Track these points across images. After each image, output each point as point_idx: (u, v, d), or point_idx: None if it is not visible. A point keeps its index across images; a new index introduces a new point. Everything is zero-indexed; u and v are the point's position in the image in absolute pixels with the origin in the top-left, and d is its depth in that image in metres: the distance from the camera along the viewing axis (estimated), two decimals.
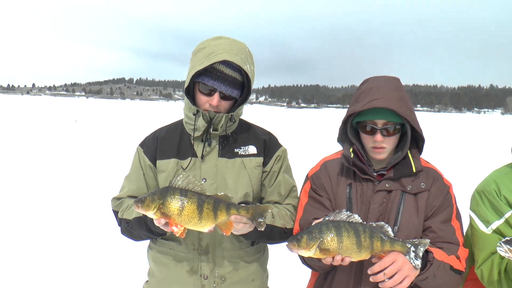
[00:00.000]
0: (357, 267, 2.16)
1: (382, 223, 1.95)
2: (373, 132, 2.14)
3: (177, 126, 2.46)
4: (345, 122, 2.26)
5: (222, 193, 2.02)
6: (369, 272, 1.91)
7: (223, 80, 2.22)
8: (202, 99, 2.27)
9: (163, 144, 2.39)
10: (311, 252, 1.88)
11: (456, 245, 2.10)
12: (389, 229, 1.94)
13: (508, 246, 1.76)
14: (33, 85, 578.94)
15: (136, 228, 2.27)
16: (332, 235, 1.87)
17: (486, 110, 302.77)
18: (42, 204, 8.21)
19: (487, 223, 2.13)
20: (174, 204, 1.94)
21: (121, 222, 2.37)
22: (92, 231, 6.68)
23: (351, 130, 2.27)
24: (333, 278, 2.23)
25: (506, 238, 1.80)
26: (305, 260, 2.19)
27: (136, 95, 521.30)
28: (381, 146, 2.14)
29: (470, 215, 2.22)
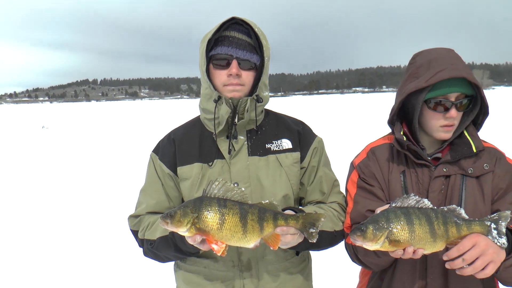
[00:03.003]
0: (421, 263, 1.90)
1: (454, 206, 1.69)
2: (447, 108, 1.87)
3: (195, 125, 2.13)
4: (403, 102, 1.98)
5: (267, 200, 1.70)
6: (444, 258, 1.65)
7: (238, 45, 1.93)
8: (220, 74, 1.95)
9: (183, 148, 2.05)
10: (379, 245, 1.61)
11: None
12: (462, 211, 1.68)
13: None
14: None
15: (162, 249, 1.93)
16: (402, 224, 1.60)
17: None
18: (19, 215, 7.70)
19: None
20: (212, 217, 1.62)
21: (143, 243, 2.02)
22: (89, 245, 6.25)
23: (400, 112, 2.01)
24: (392, 278, 1.96)
25: None
26: (357, 258, 1.93)
27: (101, 96, 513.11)
28: (454, 123, 1.89)
29: None
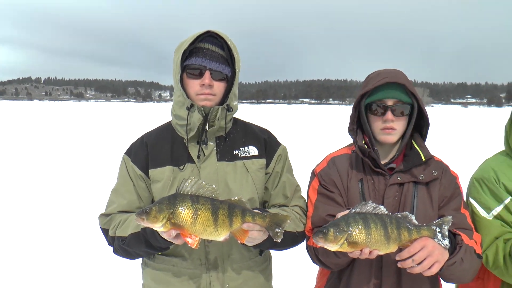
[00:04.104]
0: (376, 263, 2.09)
1: (407, 213, 1.88)
2: (384, 111, 2.10)
3: (167, 130, 2.24)
4: (356, 107, 2.19)
5: (236, 197, 1.83)
6: (397, 258, 1.84)
7: (211, 57, 2.06)
8: (193, 83, 2.07)
9: (155, 151, 2.15)
10: (339, 246, 1.78)
11: (471, 230, 2.09)
12: (413, 218, 1.88)
13: None
14: None
15: (133, 245, 2.02)
16: (360, 228, 1.79)
17: None
18: None
19: (488, 209, 2.19)
20: (187, 212, 1.72)
21: (113, 240, 2.09)
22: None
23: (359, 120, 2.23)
24: (350, 277, 2.14)
25: None
26: (318, 258, 2.10)
27: (44, 95, 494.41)
28: (392, 126, 2.09)
29: (470, 203, 2.25)
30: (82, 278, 5.17)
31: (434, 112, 77.76)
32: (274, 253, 2.37)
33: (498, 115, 62.58)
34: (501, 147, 2.38)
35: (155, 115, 45.91)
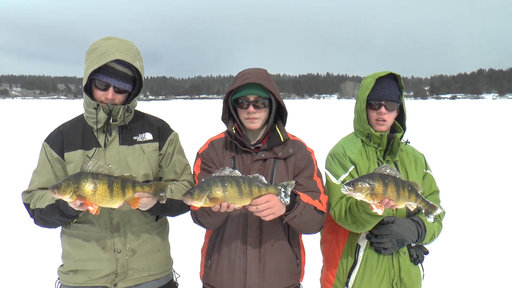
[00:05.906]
0: (243, 221, 2.64)
1: (257, 174, 2.37)
2: (247, 105, 2.63)
3: (79, 121, 2.70)
4: (226, 101, 2.74)
5: (128, 173, 2.33)
6: (246, 207, 2.34)
7: (116, 76, 2.51)
8: (98, 93, 2.55)
9: (69, 138, 2.62)
10: (202, 202, 2.23)
11: (318, 193, 2.64)
12: (263, 178, 2.35)
13: (348, 187, 2.32)
14: None
15: (49, 214, 2.48)
16: (218, 186, 2.24)
17: (325, 95, 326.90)
18: None
19: (337, 176, 2.84)
20: (88, 186, 2.18)
21: (34, 212, 2.55)
22: None
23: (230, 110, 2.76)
24: (224, 233, 2.68)
25: (347, 181, 2.38)
26: (197, 219, 2.61)
27: None
28: (254, 117, 2.63)
29: (325, 172, 2.90)
30: (9, 251, 5.83)
31: None
32: (172, 220, 2.91)
33: (422, 107, 66.34)
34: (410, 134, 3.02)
35: None
